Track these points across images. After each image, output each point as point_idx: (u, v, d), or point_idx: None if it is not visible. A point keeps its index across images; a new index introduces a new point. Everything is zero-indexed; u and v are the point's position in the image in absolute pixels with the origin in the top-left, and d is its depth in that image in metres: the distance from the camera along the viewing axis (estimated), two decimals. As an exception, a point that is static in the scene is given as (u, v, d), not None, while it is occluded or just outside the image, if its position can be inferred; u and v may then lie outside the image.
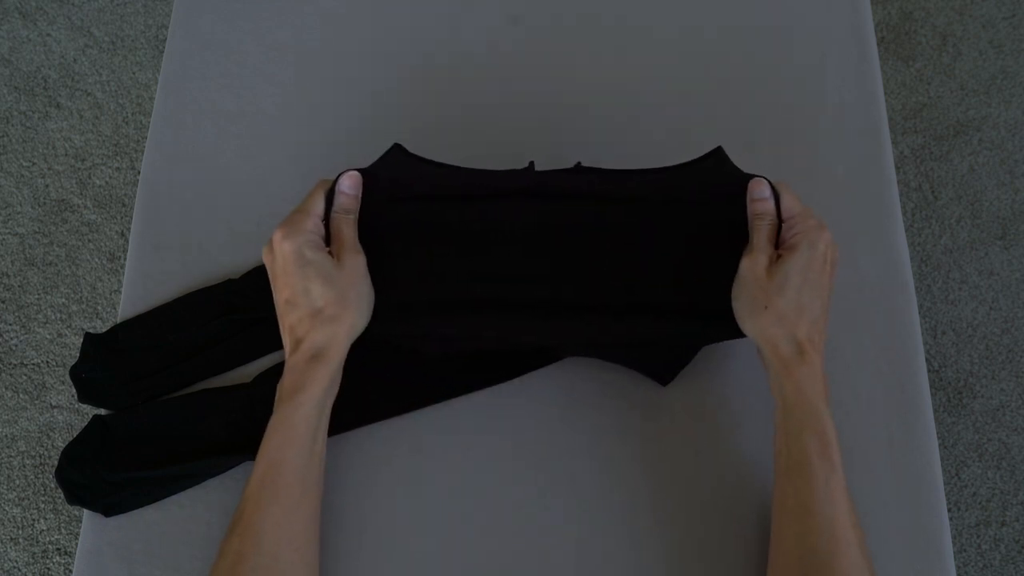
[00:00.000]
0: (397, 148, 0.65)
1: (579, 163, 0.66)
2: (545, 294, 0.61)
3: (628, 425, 0.64)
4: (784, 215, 0.61)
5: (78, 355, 0.68)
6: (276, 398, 0.58)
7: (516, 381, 0.66)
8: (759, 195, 0.61)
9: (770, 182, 0.62)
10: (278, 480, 0.55)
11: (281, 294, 0.59)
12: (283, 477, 0.55)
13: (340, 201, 0.62)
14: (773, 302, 0.56)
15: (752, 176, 0.62)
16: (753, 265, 0.58)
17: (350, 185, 0.62)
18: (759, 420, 0.63)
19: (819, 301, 0.57)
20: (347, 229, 0.61)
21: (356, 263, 0.60)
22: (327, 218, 0.62)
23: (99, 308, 1.33)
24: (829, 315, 0.59)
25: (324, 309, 0.57)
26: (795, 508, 0.54)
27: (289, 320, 0.58)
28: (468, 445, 0.64)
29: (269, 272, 0.60)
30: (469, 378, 0.65)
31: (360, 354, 0.61)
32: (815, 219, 0.59)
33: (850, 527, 0.53)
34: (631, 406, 0.65)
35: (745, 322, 0.59)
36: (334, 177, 0.63)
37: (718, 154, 0.64)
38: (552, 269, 0.62)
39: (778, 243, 0.60)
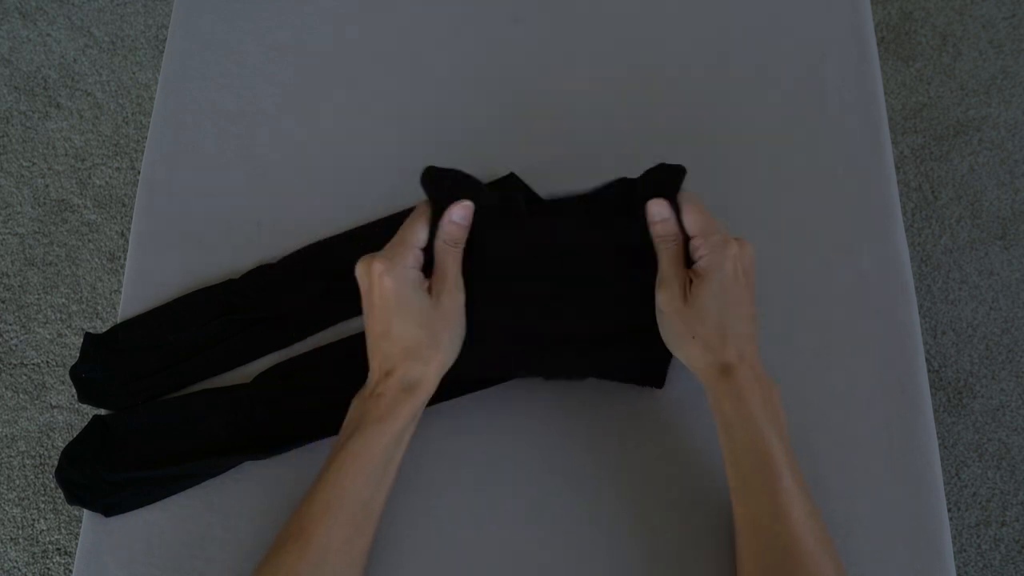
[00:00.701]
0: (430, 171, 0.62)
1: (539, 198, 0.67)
2: (547, 322, 0.62)
3: (627, 425, 0.64)
4: (689, 231, 0.59)
5: (78, 355, 0.68)
6: (357, 416, 0.57)
7: (516, 381, 0.66)
8: (657, 216, 0.59)
9: (670, 199, 0.60)
10: (345, 506, 0.55)
11: (375, 326, 0.58)
12: (351, 504, 0.55)
13: (450, 231, 0.59)
14: (697, 332, 0.56)
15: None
16: (670, 299, 0.57)
17: (462, 216, 0.60)
18: (759, 420, 0.63)
19: (742, 313, 0.57)
20: (452, 264, 0.59)
21: (455, 303, 0.59)
22: (429, 246, 0.59)
23: (99, 308, 1.33)
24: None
25: (417, 350, 0.57)
26: (747, 527, 0.54)
27: (381, 351, 0.58)
28: (468, 445, 0.64)
29: (363, 296, 0.58)
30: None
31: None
32: (718, 234, 0.57)
33: (809, 537, 0.52)
34: (629, 407, 0.65)
35: (676, 351, 0.59)
36: (427, 201, 0.60)
37: (669, 170, 0.62)
38: (551, 293, 0.62)
39: (689, 260, 0.59)
